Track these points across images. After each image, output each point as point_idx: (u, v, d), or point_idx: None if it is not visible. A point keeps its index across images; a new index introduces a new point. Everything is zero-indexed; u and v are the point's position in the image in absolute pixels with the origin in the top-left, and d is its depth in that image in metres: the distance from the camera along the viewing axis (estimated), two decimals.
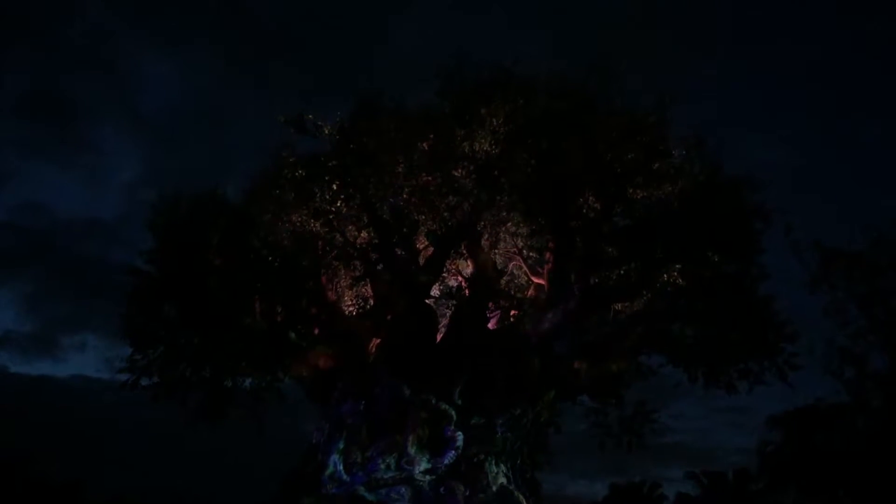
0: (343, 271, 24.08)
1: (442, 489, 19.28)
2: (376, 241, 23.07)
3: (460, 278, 24.63)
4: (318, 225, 22.86)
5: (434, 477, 19.54)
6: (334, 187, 22.52)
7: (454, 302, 24.35)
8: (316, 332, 23.08)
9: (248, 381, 23.29)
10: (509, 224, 23.69)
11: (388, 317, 22.88)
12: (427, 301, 23.31)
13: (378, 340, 23.00)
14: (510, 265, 25.20)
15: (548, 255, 22.84)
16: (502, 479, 20.37)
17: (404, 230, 22.94)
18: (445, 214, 22.59)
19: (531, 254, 24.33)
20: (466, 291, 24.01)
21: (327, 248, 23.29)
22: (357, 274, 23.85)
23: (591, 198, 22.26)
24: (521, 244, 24.28)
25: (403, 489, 19.13)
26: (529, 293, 24.27)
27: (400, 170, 22.54)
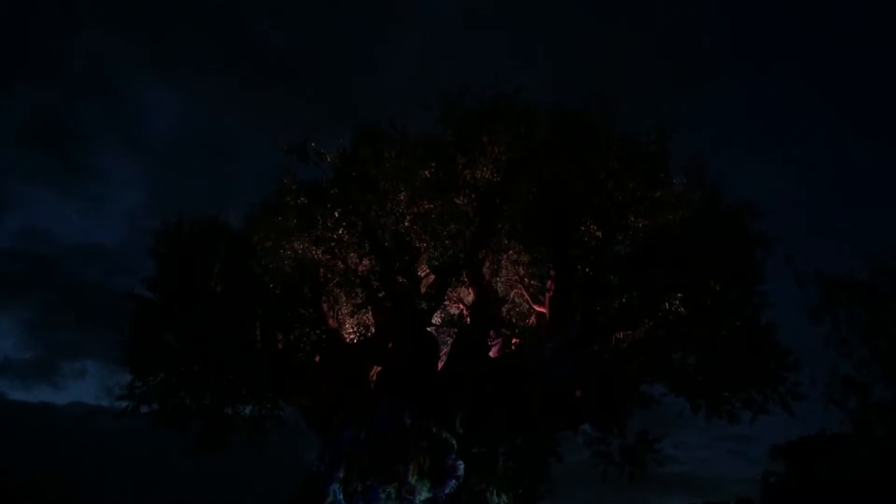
0: (344, 298, 24.07)
1: None
2: (378, 268, 23.05)
3: (461, 306, 24.58)
4: (319, 252, 22.90)
5: None
6: (336, 214, 22.60)
7: (455, 330, 24.28)
8: (317, 359, 23.01)
9: (248, 409, 23.20)
10: (511, 252, 23.71)
11: (390, 344, 22.82)
12: (428, 329, 23.24)
13: (379, 368, 22.93)
14: (511, 293, 25.15)
15: (549, 283, 22.82)
16: None
17: (406, 258, 22.94)
18: (447, 242, 22.63)
19: (533, 282, 24.31)
20: (468, 319, 23.96)
21: (328, 275, 23.31)
22: (358, 301, 23.82)
23: (592, 226, 22.30)
24: (522, 272, 24.27)
25: None
26: (531, 321, 24.23)
27: (401, 197, 22.64)
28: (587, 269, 22.04)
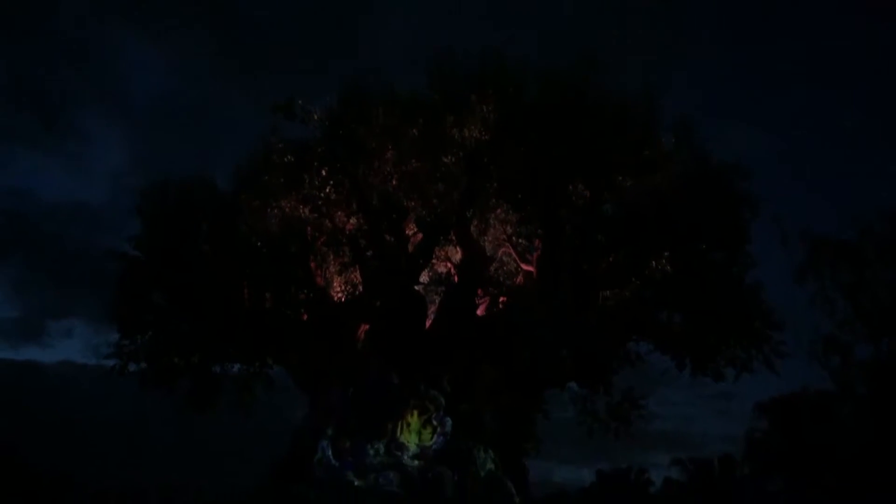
0: (332, 257, 23.97)
1: (430, 475, 19.31)
2: (365, 227, 23.01)
3: (449, 265, 24.58)
4: (306, 211, 22.79)
5: (422, 462, 19.58)
6: (323, 173, 22.46)
7: (443, 288, 24.33)
8: (304, 318, 23.03)
9: (236, 368, 23.27)
10: (499, 211, 23.64)
11: (377, 303, 22.83)
12: (416, 288, 23.28)
13: (367, 327, 22.97)
14: (499, 252, 25.11)
15: (537, 242, 22.84)
16: (490, 465, 20.38)
17: (393, 217, 22.88)
18: (435, 201, 22.54)
19: (520, 241, 24.28)
20: (455, 278, 23.99)
21: (316, 234, 23.21)
22: (346, 260, 23.78)
23: (580, 186, 22.27)
24: (510, 231, 24.22)
25: (392, 474, 19.14)
26: (518, 280, 24.27)
27: (389, 156, 22.48)
28: (575, 229, 22.07)
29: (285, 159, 22.73)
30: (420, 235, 23.42)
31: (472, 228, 23.61)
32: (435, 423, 20.19)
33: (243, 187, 23.05)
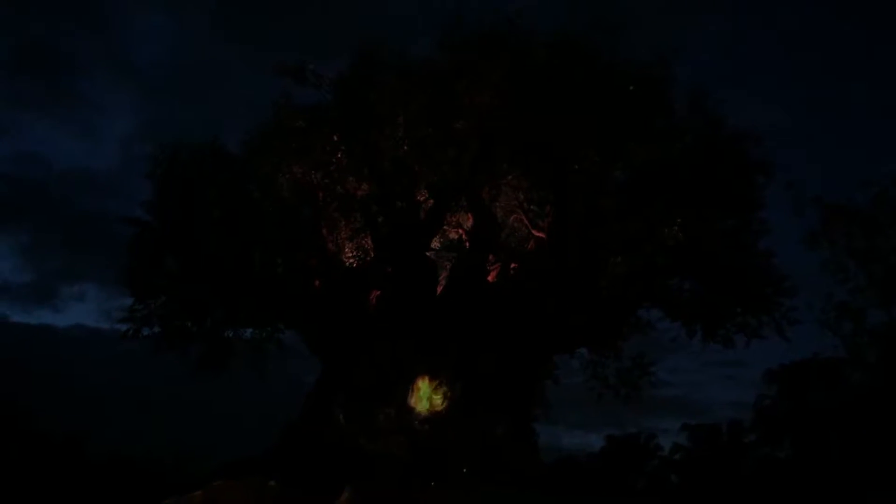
0: (343, 223, 23.98)
1: (440, 439, 19.45)
2: (377, 193, 22.96)
3: (460, 231, 24.56)
4: (318, 176, 22.75)
5: (432, 427, 19.71)
6: (335, 139, 22.37)
7: (454, 255, 24.33)
8: (316, 283, 23.09)
9: (248, 333, 23.36)
10: (510, 177, 23.55)
11: (388, 269, 22.87)
12: (427, 254, 23.28)
13: (378, 293, 23.03)
14: (511, 218, 25.08)
15: (548, 208, 22.75)
16: (500, 430, 20.53)
17: (405, 182, 22.82)
18: (446, 167, 22.45)
19: (532, 207, 24.21)
20: (466, 244, 23.98)
21: (327, 200, 23.19)
22: (357, 226, 23.77)
23: (591, 152, 22.12)
24: (521, 197, 24.14)
25: (402, 439, 19.29)
26: (529, 246, 24.25)
27: (400, 122, 22.37)
28: (586, 196, 21.97)
29: (296, 124, 22.63)
30: (431, 201, 23.38)
31: (484, 195, 23.56)
32: (445, 388, 20.30)
33: (255, 152, 22.99)
